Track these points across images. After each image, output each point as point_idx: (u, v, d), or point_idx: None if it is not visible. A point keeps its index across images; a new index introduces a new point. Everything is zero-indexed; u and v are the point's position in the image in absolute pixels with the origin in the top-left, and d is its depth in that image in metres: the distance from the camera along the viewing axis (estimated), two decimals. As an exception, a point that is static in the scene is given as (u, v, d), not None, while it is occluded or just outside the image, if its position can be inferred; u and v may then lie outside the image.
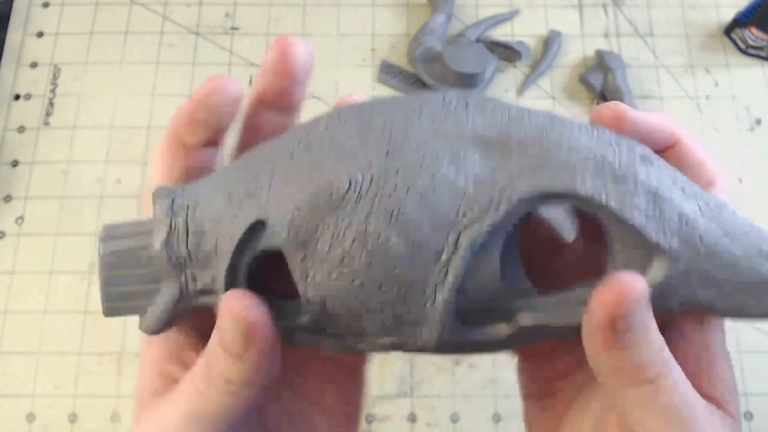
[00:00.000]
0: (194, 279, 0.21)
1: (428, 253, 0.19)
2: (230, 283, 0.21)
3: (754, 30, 0.59)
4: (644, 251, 0.19)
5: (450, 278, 0.19)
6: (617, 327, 0.19)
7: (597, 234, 0.22)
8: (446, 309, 0.19)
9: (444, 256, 0.19)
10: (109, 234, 0.22)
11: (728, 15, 0.61)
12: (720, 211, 0.20)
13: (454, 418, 0.49)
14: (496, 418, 0.48)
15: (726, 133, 0.57)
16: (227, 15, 0.61)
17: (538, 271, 0.22)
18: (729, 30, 0.60)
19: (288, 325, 0.21)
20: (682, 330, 0.22)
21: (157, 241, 0.21)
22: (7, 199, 0.54)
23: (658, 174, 0.20)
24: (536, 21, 0.61)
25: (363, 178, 0.19)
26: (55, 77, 0.58)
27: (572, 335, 0.20)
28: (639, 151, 0.20)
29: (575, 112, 0.58)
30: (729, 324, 0.51)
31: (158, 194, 0.21)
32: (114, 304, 0.22)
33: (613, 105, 0.21)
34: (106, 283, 0.21)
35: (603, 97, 0.58)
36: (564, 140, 0.19)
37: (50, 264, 0.52)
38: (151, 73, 0.59)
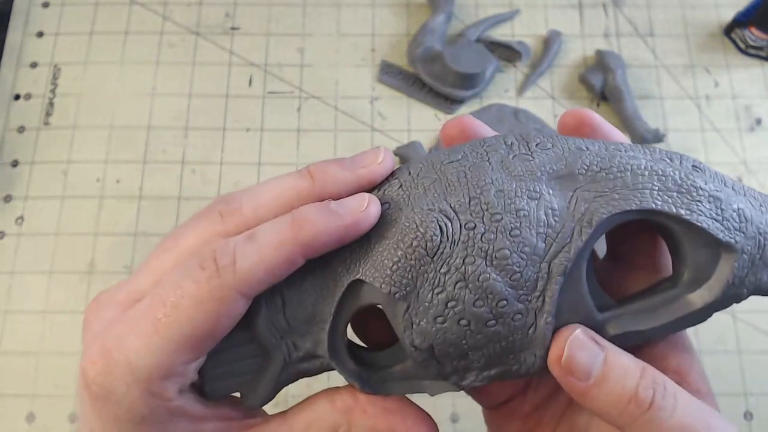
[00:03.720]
0: (296, 347, 0.22)
1: (525, 285, 0.21)
2: (332, 344, 0.22)
3: (754, 30, 0.59)
4: (712, 249, 0.22)
5: (547, 304, 0.21)
6: (577, 375, 0.20)
7: (621, 253, 0.25)
8: (547, 332, 0.21)
9: (539, 285, 0.21)
10: None
11: (728, 15, 0.61)
12: (765, 200, 0.22)
13: (454, 418, 0.49)
14: (496, 418, 0.48)
15: (726, 133, 0.57)
16: (227, 15, 0.61)
17: None
18: (729, 30, 0.60)
19: (381, 375, 0.23)
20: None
21: (257, 319, 0.22)
22: (7, 199, 0.54)
23: (711, 179, 0.22)
24: (536, 21, 0.61)
25: (452, 225, 0.21)
26: (55, 77, 0.58)
27: (657, 335, 0.22)
28: (690, 161, 0.22)
29: (575, 112, 0.58)
30: (729, 324, 0.51)
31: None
32: (216, 385, 0.22)
33: (579, 112, 0.24)
34: (208, 366, 0.22)
35: (603, 97, 0.58)
36: (625, 164, 0.22)
37: (50, 264, 0.52)
38: (151, 73, 0.59)
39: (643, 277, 0.25)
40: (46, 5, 0.61)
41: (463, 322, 0.21)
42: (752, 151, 0.57)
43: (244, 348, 0.22)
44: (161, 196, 0.55)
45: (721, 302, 0.22)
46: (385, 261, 0.21)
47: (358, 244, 0.22)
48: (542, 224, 0.21)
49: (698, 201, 0.21)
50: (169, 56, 0.59)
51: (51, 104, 0.57)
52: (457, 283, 0.21)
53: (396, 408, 0.22)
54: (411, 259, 0.21)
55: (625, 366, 0.20)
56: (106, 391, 0.20)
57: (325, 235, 0.21)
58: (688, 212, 0.21)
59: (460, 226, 0.21)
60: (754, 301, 0.52)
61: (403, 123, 0.57)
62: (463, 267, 0.21)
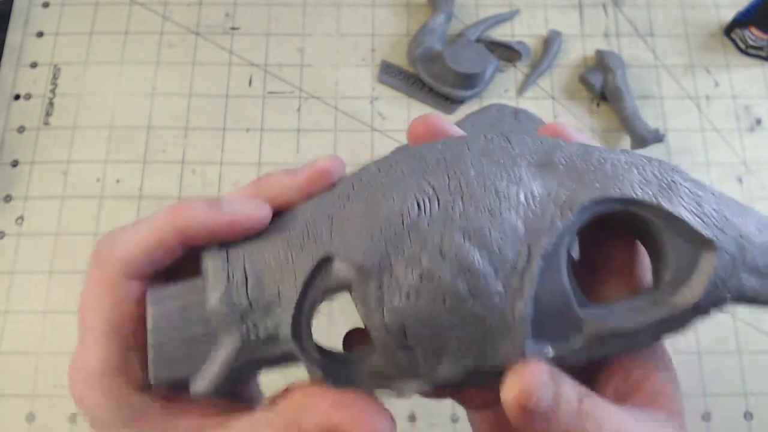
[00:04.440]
0: (256, 327, 0.21)
1: (505, 265, 0.20)
2: (296, 326, 0.21)
3: (754, 30, 0.59)
4: (692, 247, 0.21)
5: (527, 287, 0.20)
6: (528, 411, 0.20)
7: (598, 264, 0.25)
8: (526, 317, 0.20)
9: (519, 265, 0.20)
10: (157, 296, 0.22)
11: (728, 15, 0.61)
12: (744, 210, 0.22)
13: (454, 418, 0.49)
14: (496, 418, 0.48)
15: (726, 133, 0.57)
16: (227, 15, 0.61)
17: None
18: (729, 30, 0.60)
19: (348, 372, 0.21)
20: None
21: (214, 295, 0.21)
22: (7, 199, 0.54)
23: (691, 180, 0.22)
24: (536, 21, 0.61)
25: (431, 202, 0.20)
26: (55, 77, 0.58)
27: (637, 339, 0.21)
28: (670, 165, 0.22)
29: (575, 113, 0.58)
30: (729, 324, 0.51)
31: (209, 252, 0.22)
32: (160, 370, 0.21)
33: (557, 125, 0.24)
34: (156, 349, 0.21)
35: (603, 97, 0.58)
36: (604, 158, 0.22)
37: (50, 264, 0.52)
38: (151, 73, 0.59)
39: (622, 289, 0.25)
40: (46, 5, 0.61)
41: (439, 298, 0.20)
42: (752, 151, 0.57)
43: (195, 329, 0.21)
44: (161, 196, 0.55)
45: (704, 306, 0.21)
46: (359, 236, 0.20)
47: (332, 223, 0.21)
48: (522, 206, 0.20)
49: (679, 195, 0.21)
50: (169, 56, 0.59)
51: (51, 104, 0.57)
52: (433, 257, 0.20)
53: (347, 402, 0.21)
54: (386, 234, 0.20)
55: (568, 403, 0.20)
56: (79, 402, 0.22)
57: (200, 224, 0.21)
58: (669, 203, 0.21)
59: (439, 203, 0.20)
60: (754, 301, 0.52)
61: (403, 123, 0.57)
62: (441, 242, 0.20)
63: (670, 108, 0.58)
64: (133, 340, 0.22)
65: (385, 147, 0.55)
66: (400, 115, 0.58)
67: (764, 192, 0.55)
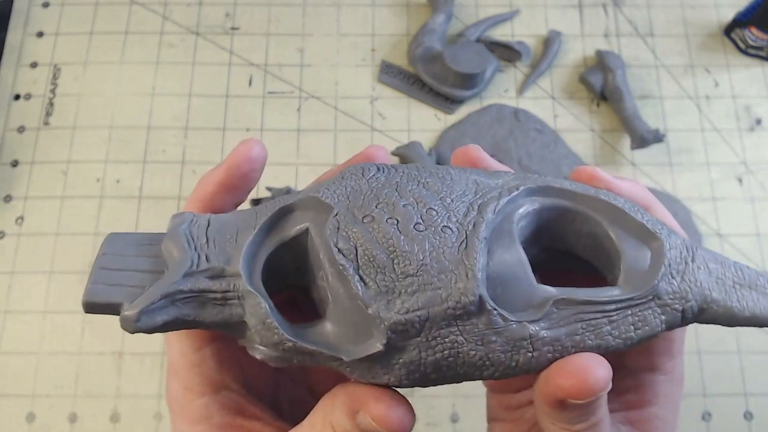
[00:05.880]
0: (207, 259, 0.21)
1: (456, 211, 0.21)
2: (248, 257, 0.21)
3: (754, 30, 0.59)
4: (641, 242, 0.22)
5: (480, 230, 0.21)
6: (566, 406, 0.20)
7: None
8: (479, 253, 0.20)
9: (470, 217, 0.21)
10: (120, 234, 0.23)
11: (728, 15, 0.61)
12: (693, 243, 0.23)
13: (454, 418, 0.49)
14: (496, 418, 0.48)
15: (726, 133, 0.57)
16: (227, 15, 0.61)
17: None
18: (729, 30, 0.60)
19: (299, 333, 0.21)
20: (630, 368, 0.23)
21: (174, 229, 0.21)
22: (7, 199, 0.54)
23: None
24: (536, 21, 0.61)
25: (388, 169, 0.22)
26: (55, 77, 0.58)
27: (601, 333, 0.20)
28: None
29: (575, 113, 0.58)
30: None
31: (176, 214, 0.22)
32: (98, 294, 0.20)
33: (589, 168, 0.24)
34: (97, 273, 0.21)
35: (603, 97, 0.58)
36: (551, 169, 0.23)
37: (50, 264, 0.52)
38: (151, 73, 0.59)
39: None
40: (46, 5, 0.61)
41: (392, 220, 0.21)
42: (752, 151, 0.57)
43: (144, 262, 0.21)
44: (161, 196, 0.55)
45: (665, 298, 0.21)
46: (321, 185, 0.22)
47: (299, 192, 0.23)
48: (472, 184, 0.22)
49: (616, 198, 0.23)
50: (169, 56, 0.59)
51: (51, 104, 0.57)
52: (390, 193, 0.21)
53: (365, 388, 0.20)
54: (345, 182, 0.22)
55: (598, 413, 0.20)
56: (167, 394, 0.24)
57: (206, 183, 0.23)
58: (606, 197, 0.22)
59: (398, 168, 0.23)
60: (754, 301, 0.52)
61: (403, 123, 0.57)
62: (397, 184, 0.22)
63: (670, 108, 0.58)
64: (206, 337, 0.23)
65: (385, 147, 0.55)
66: (400, 115, 0.58)
67: (764, 192, 0.55)
